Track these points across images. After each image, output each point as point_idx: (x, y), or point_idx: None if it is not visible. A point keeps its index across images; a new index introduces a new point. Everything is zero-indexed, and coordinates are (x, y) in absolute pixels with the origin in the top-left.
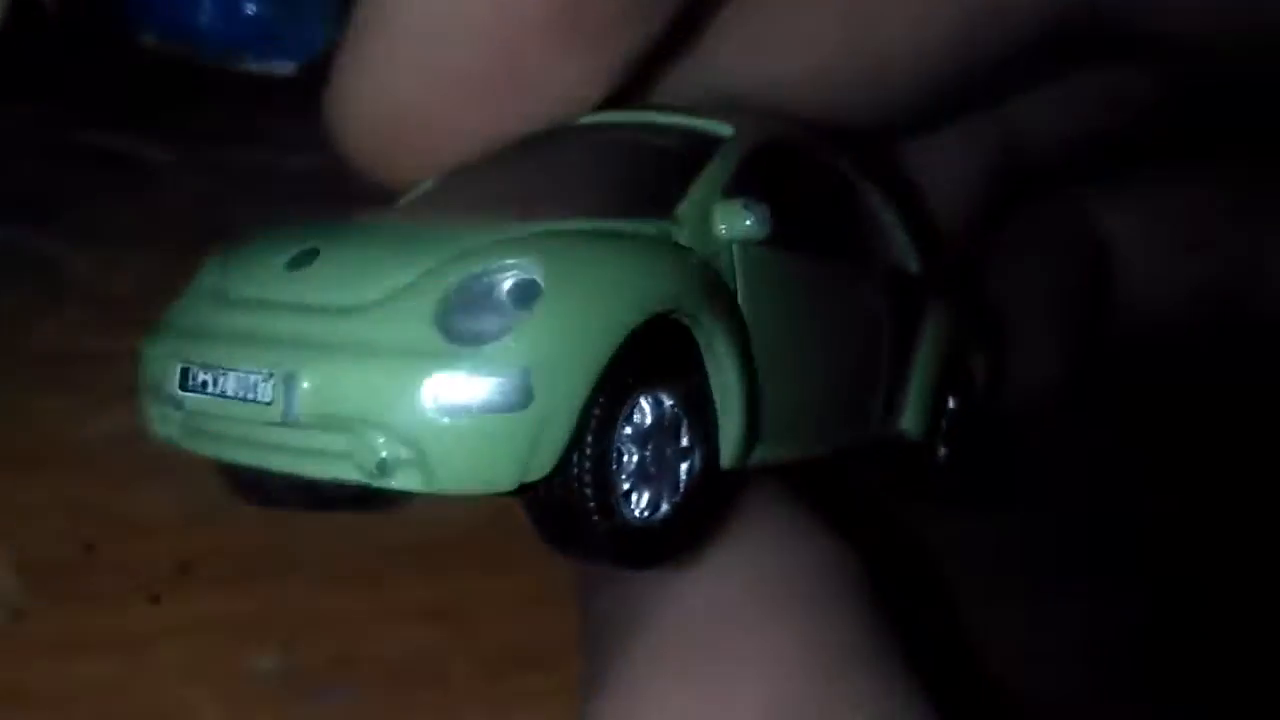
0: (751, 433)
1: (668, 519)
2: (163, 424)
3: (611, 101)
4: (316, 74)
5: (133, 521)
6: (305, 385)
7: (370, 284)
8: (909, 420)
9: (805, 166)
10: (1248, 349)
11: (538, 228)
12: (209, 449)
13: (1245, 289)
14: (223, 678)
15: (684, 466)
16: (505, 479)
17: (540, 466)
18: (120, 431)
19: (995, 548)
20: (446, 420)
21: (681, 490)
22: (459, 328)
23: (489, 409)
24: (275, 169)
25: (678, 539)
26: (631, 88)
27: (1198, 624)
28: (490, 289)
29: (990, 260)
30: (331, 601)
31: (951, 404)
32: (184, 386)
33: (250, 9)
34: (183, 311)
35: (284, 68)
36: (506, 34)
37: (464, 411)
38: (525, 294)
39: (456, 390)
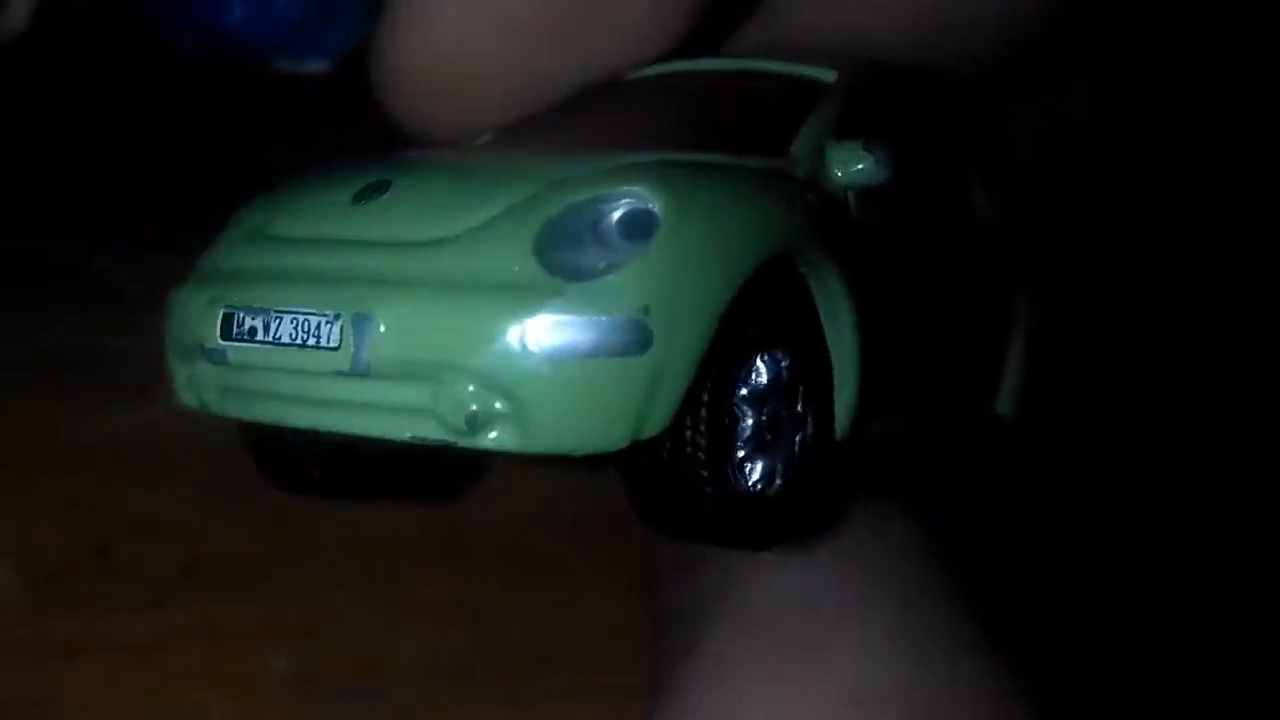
0: (867, 400)
1: (781, 493)
2: (195, 388)
3: (686, 53)
4: (350, 73)
5: (141, 522)
6: (381, 327)
7: (455, 216)
8: (1004, 401)
9: (910, 115)
10: None
11: (645, 157)
12: (254, 411)
13: None
14: (235, 680)
15: (798, 436)
16: (616, 436)
17: (656, 422)
18: (130, 430)
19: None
20: (550, 366)
21: (796, 462)
22: (565, 261)
23: (601, 353)
24: (306, 170)
25: (792, 517)
26: (706, 46)
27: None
28: (598, 219)
29: None
30: (348, 602)
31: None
32: (227, 335)
33: (282, 6)
34: (221, 255)
35: (317, 67)
36: None
37: (571, 356)
38: (639, 225)
39: (563, 331)
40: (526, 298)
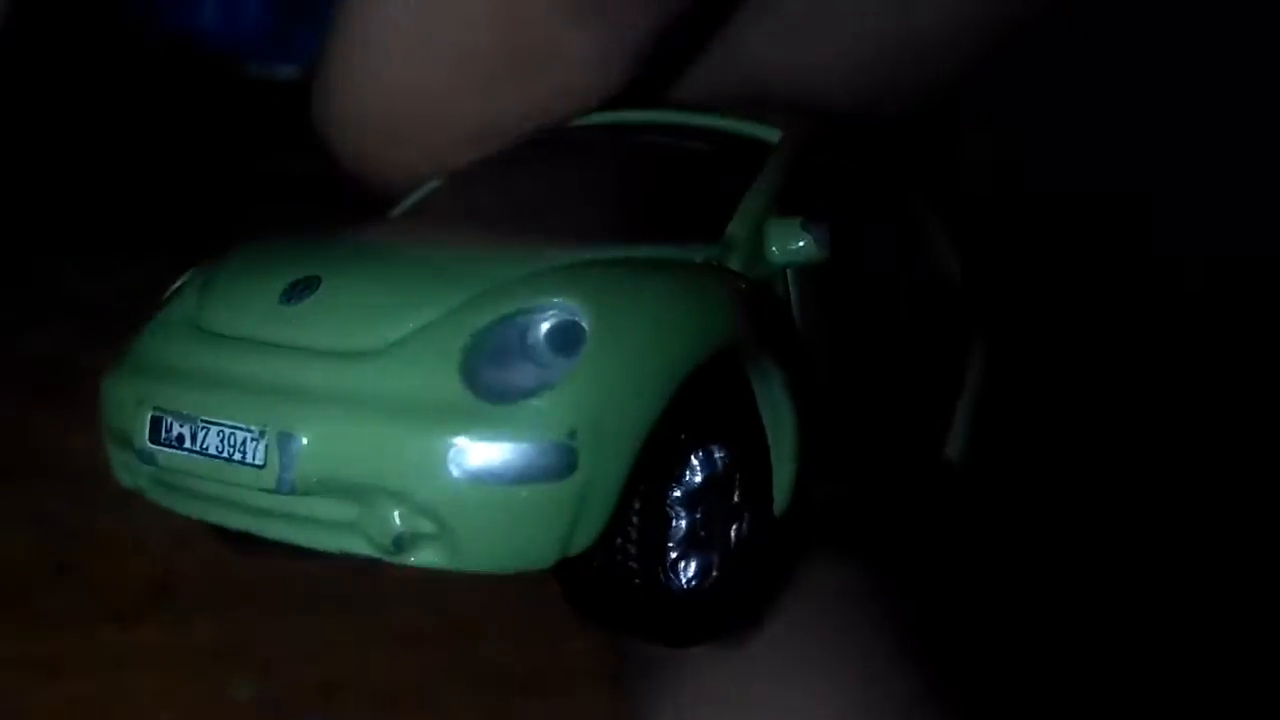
0: (806, 475)
1: (718, 585)
2: (129, 474)
3: (634, 98)
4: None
5: (112, 541)
6: (304, 445)
7: (382, 324)
8: (955, 446)
9: (854, 172)
10: None
11: (572, 257)
12: (188, 508)
13: None
14: (197, 705)
15: (734, 527)
16: (543, 556)
17: (583, 541)
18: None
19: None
20: (475, 491)
21: (733, 552)
22: (489, 380)
23: (525, 478)
24: (276, 175)
25: (730, 607)
26: (655, 82)
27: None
28: (524, 333)
29: None
30: (316, 626)
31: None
32: (155, 439)
33: (252, 10)
34: (152, 344)
35: (286, 71)
36: (509, 3)
37: (496, 480)
38: (566, 338)
39: (488, 455)
40: (450, 421)
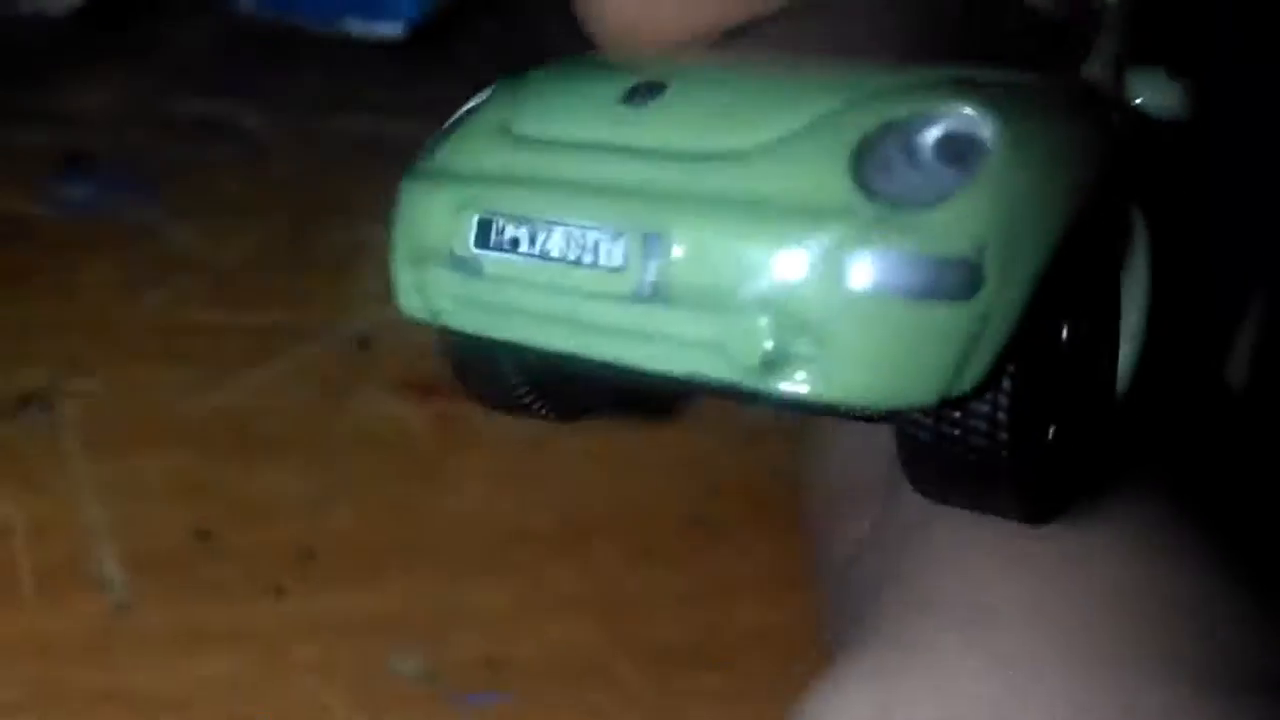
0: (1149, 355)
1: (1071, 452)
2: (426, 296)
3: None
4: (425, 37)
5: (251, 505)
6: (674, 247)
7: (751, 126)
8: (1236, 367)
9: (1186, 38)
10: None
11: (945, 72)
12: (503, 329)
13: None
14: (360, 678)
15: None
16: (928, 391)
17: (971, 378)
18: (234, 409)
19: None
20: (867, 306)
21: (1083, 424)
22: (886, 186)
23: (926, 294)
24: (380, 137)
25: (1080, 481)
26: None
27: None
28: (915, 139)
29: None
30: (475, 595)
31: None
32: (483, 243)
33: None
34: (466, 151)
35: (390, 30)
36: None
37: (892, 295)
38: (961, 151)
39: (885, 267)
40: (846, 225)
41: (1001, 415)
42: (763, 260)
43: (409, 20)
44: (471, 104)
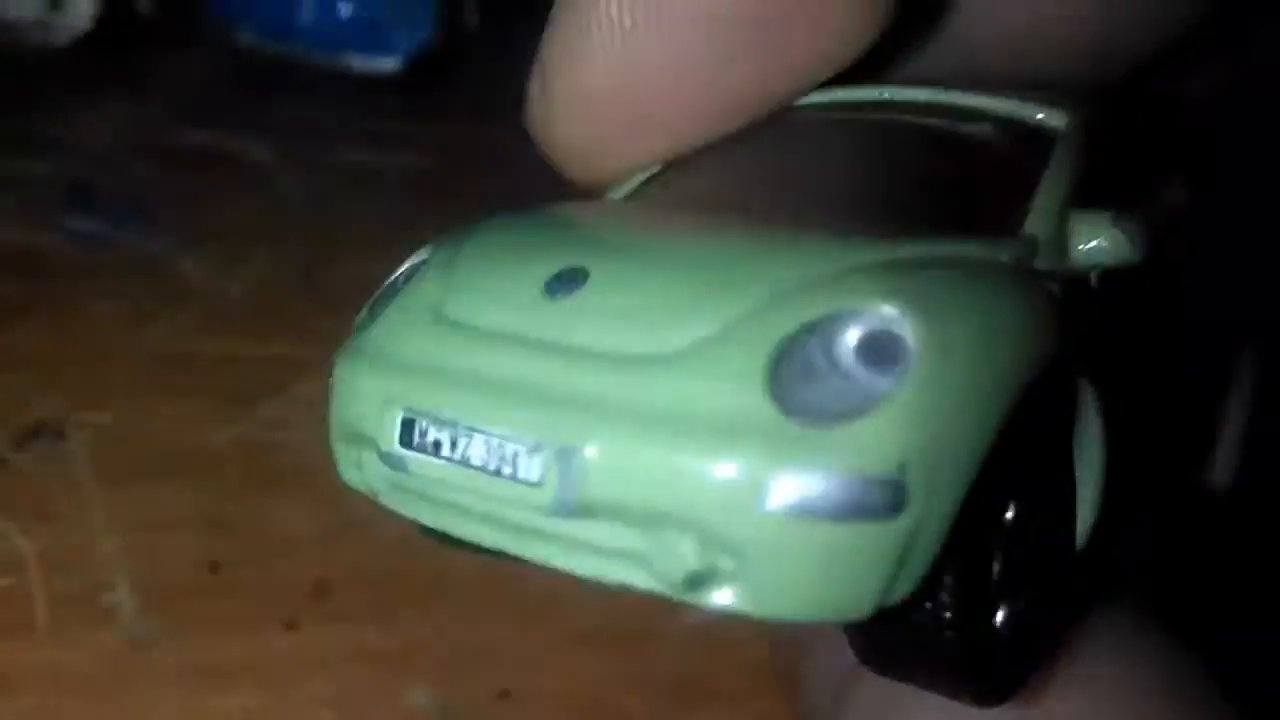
0: (1108, 507)
1: (1024, 632)
2: (363, 475)
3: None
4: (421, 71)
5: (264, 539)
6: (590, 462)
7: (669, 324)
8: (1220, 471)
9: (1145, 157)
10: None
11: (874, 253)
12: (434, 519)
13: None
14: (373, 713)
15: (1040, 567)
16: (859, 606)
17: (904, 588)
18: (244, 440)
19: None
20: (789, 526)
21: (1045, 594)
22: (801, 398)
23: (848, 514)
24: (380, 168)
25: (1035, 655)
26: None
27: None
28: (838, 344)
29: None
30: (487, 630)
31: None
32: (407, 444)
33: (351, 6)
34: (395, 334)
35: (388, 64)
36: None
37: (814, 515)
38: (884, 353)
39: (806, 486)
40: (763, 444)
41: (944, 611)
42: (680, 479)
43: (406, 54)
44: (410, 264)
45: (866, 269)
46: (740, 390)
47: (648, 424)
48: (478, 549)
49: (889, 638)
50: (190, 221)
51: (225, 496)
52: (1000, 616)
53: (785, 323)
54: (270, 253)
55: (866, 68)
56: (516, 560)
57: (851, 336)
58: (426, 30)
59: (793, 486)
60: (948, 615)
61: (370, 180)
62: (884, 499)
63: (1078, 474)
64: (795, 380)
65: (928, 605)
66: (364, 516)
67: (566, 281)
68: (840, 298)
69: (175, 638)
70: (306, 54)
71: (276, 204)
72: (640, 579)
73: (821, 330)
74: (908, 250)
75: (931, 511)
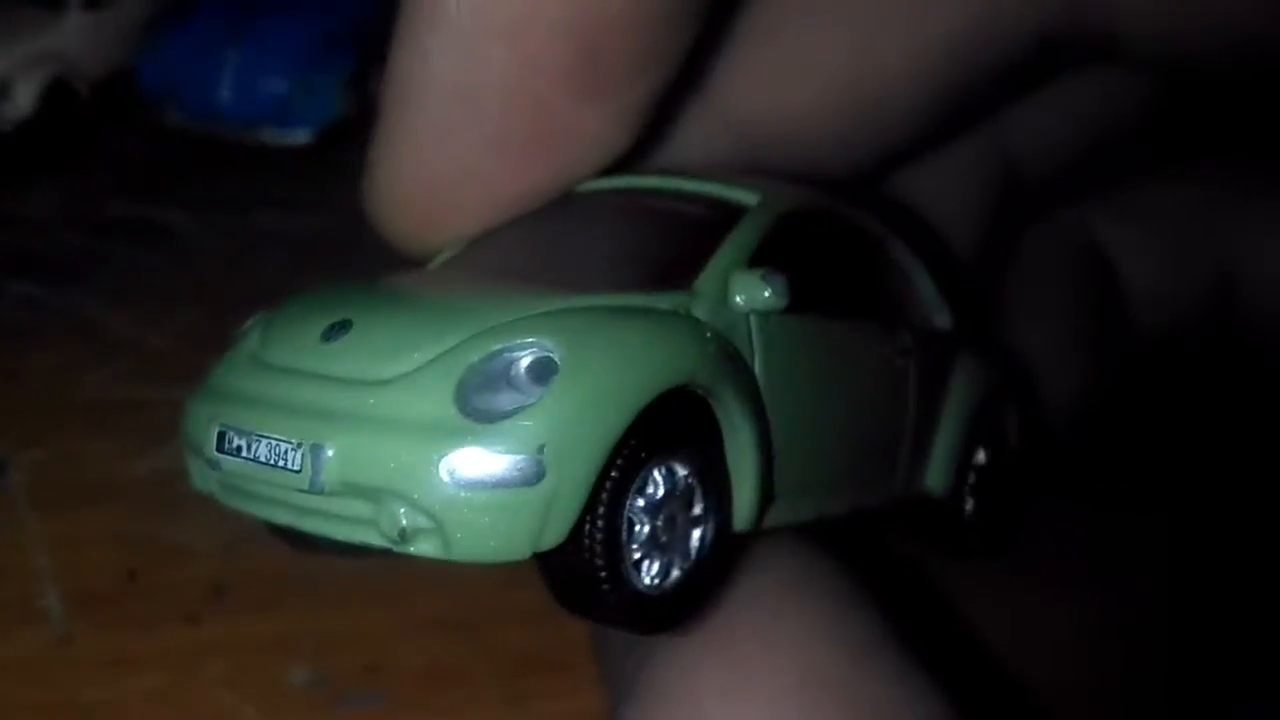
0: (765, 498)
1: (679, 585)
2: (201, 479)
3: (633, 156)
4: (329, 141)
5: (173, 550)
6: (331, 456)
7: (396, 359)
8: (933, 476)
9: (832, 230)
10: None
11: (556, 304)
12: (246, 506)
13: (1243, 285)
14: (262, 689)
15: (696, 534)
16: (517, 550)
17: (551, 538)
18: (160, 470)
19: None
20: (463, 494)
21: (693, 556)
22: (477, 405)
23: (503, 484)
24: (292, 231)
25: (688, 604)
26: (651, 132)
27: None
28: (508, 366)
29: (999, 289)
30: (358, 618)
31: (981, 458)
32: (220, 449)
33: (267, 86)
34: (222, 373)
35: (300, 137)
36: (533, 89)
37: (479, 486)
38: (543, 371)
39: (472, 465)
40: (443, 437)
41: (595, 558)
42: (390, 463)
43: (317, 126)
44: (246, 325)
45: (542, 315)
46: (434, 401)
47: (370, 426)
48: (308, 543)
49: (564, 579)
50: (119, 283)
51: (141, 517)
52: (655, 567)
53: (475, 353)
54: (190, 308)
55: (643, 151)
56: (306, 536)
57: (524, 361)
58: (336, 106)
59: (462, 465)
60: (598, 561)
61: (282, 242)
62: (527, 472)
63: (733, 470)
64: (477, 393)
65: (585, 555)
66: (254, 531)
67: (338, 330)
68: (516, 334)
69: (97, 634)
70: (227, 129)
71: (196, 265)
72: (374, 538)
73: (502, 357)
74: (581, 301)
75: (566, 482)
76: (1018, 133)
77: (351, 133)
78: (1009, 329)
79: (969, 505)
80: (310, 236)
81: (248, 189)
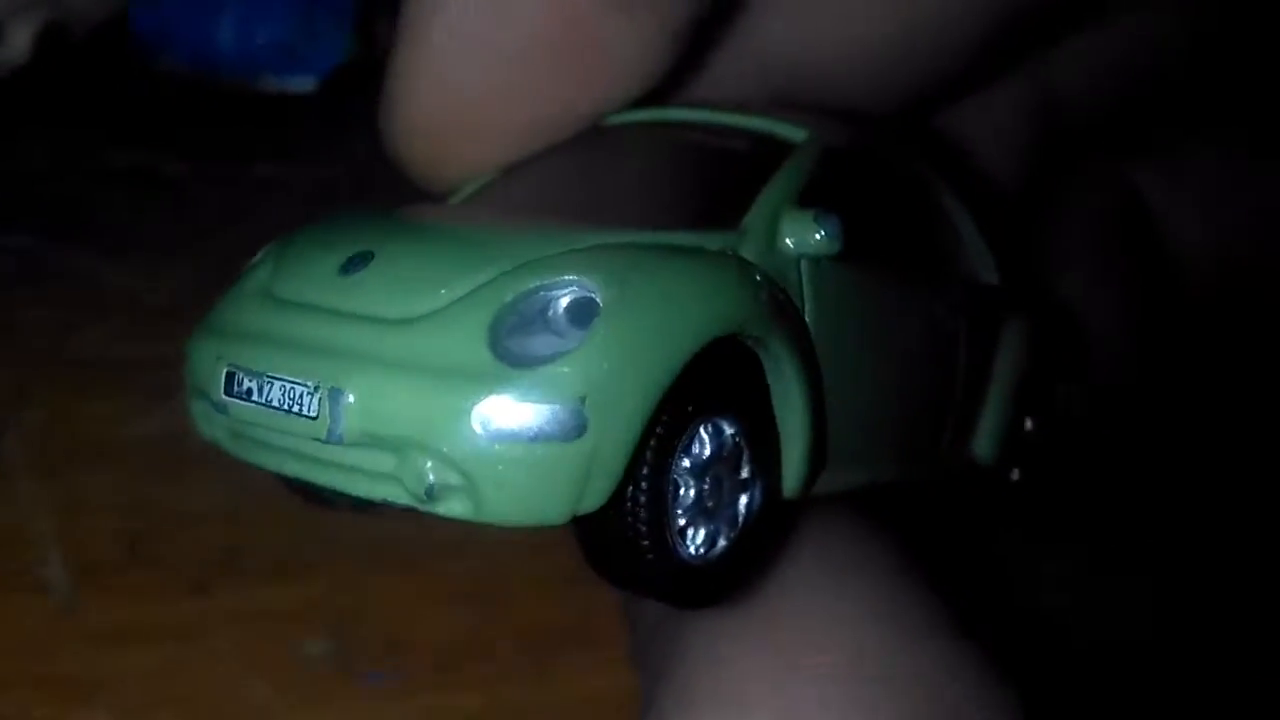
0: (817, 461)
1: (725, 556)
2: (208, 425)
3: (663, 91)
4: (334, 89)
5: (179, 515)
6: (351, 402)
7: (423, 295)
8: (981, 444)
9: (881, 173)
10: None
11: (596, 240)
12: (255, 457)
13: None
14: (275, 662)
15: (743, 500)
16: (556, 513)
17: (593, 500)
18: (164, 431)
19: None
20: (497, 448)
21: (740, 525)
22: (512, 348)
23: (541, 437)
24: (295, 181)
25: (734, 576)
26: (682, 67)
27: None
28: (546, 306)
29: (1038, 239)
30: (377, 587)
31: (1029, 425)
32: (229, 392)
33: (267, 31)
34: (229, 309)
35: (303, 84)
36: (558, 2)
37: (515, 440)
38: (582, 313)
39: (508, 416)
40: (475, 384)
41: (640, 524)
42: (417, 412)
43: (319, 74)
44: (255, 260)
45: (582, 251)
46: (465, 342)
47: (394, 369)
48: (323, 498)
49: (603, 546)
50: (118, 236)
51: (143, 481)
52: (700, 535)
53: (509, 291)
54: (191, 262)
55: (674, 87)
56: (321, 491)
57: (562, 299)
58: (340, 52)
59: (497, 415)
60: (642, 527)
61: (284, 192)
62: (568, 424)
63: (782, 429)
64: (511, 335)
65: (627, 519)
66: (266, 493)
67: (357, 262)
68: (554, 271)
69: (101, 604)
70: (226, 77)
71: (197, 217)
72: (397, 495)
73: (538, 296)
74: (623, 237)
75: (609, 437)
76: (1063, 74)
77: (357, 80)
78: (1049, 282)
79: (1014, 474)
80: (314, 187)
81: (248, 138)
